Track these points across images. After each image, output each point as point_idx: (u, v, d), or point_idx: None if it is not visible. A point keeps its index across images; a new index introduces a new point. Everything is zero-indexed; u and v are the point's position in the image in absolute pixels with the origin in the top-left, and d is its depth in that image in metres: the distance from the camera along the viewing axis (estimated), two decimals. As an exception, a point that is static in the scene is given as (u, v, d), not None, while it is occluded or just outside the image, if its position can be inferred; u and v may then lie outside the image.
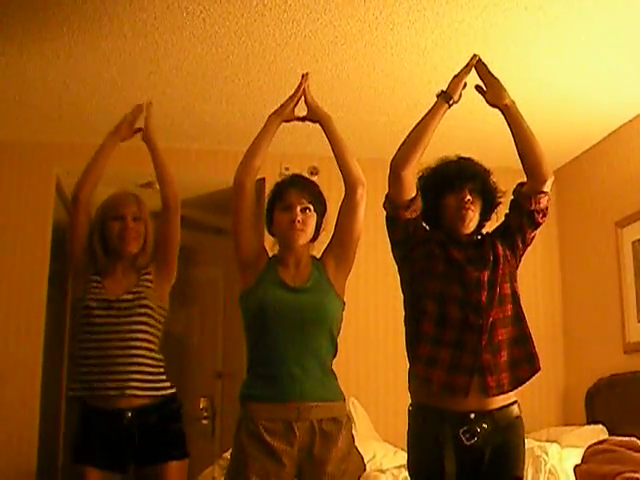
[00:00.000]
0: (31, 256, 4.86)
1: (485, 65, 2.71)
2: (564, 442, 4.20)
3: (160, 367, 2.88)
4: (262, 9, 3.43)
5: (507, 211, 2.72)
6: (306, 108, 2.78)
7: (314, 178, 4.96)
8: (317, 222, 2.65)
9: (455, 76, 2.72)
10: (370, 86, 4.21)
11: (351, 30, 3.60)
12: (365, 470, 2.63)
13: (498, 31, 3.60)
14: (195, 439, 5.66)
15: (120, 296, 2.83)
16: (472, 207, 2.64)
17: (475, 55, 2.66)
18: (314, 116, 2.77)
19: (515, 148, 2.73)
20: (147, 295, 2.86)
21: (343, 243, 2.65)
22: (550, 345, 5.19)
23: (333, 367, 2.64)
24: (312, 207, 2.62)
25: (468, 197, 2.63)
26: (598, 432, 4.34)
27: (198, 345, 5.92)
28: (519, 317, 2.61)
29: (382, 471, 3.97)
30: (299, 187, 2.63)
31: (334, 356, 2.61)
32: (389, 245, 2.71)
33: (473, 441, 2.48)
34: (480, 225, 2.73)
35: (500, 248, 2.63)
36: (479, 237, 2.71)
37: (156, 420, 2.78)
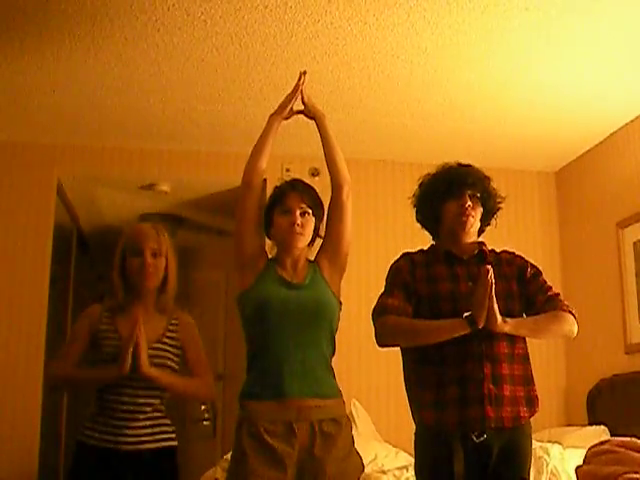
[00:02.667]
0: (32, 258, 4.86)
1: None
2: (566, 443, 4.20)
3: (167, 417, 2.82)
4: (263, 11, 3.43)
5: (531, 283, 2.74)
6: (302, 105, 2.80)
7: (315, 179, 4.98)
8: (315, 226, 2.68)
9: (479, 304, 2.46)
10: (370, 87, 4.21)
11: (352, 31, 3.61)
12: (364, 471, 2.63)
13: (498, 32, 3.60)
14: (197, 440, 5.67)
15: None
16: (473, 213, 2.66)
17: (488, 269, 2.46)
18: (309, 113, 2.80)
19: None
20: (170, 352, 2.79)
21: (333, 243, 2.69)
22: (552, 346, 5.18)
23: (335, 369, 2.64)
24: (311, 211, 2.65)
25: (469, 203, 2.65)
26: (600, 433, 4.34)
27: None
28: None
29: (384, 472, 3.96)
30: (299, 191, 2.66)
31: (332, 355, 2.63)
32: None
33: (482, 439, 2.49)
34: (480, 230, 2.75)
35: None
36: (477, 252, 2.72)
37: (149, 458, 2.73)
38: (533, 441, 4.18)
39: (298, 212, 2.61)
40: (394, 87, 4.22)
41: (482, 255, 2.70)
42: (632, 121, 4.63)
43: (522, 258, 2.79)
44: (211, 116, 4.61)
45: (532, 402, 2.61)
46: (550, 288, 2.73)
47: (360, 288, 4.63)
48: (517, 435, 2.56)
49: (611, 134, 4.84)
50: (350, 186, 2.71)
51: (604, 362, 4.76)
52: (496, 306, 2.44)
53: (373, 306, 2.68)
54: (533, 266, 2.76)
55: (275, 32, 3.62)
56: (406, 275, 2.67)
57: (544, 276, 2.77)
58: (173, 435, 2.81)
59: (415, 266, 2.68)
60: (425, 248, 2.79)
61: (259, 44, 3.73)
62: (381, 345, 2.63)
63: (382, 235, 5.14)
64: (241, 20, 3.51)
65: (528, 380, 2.62)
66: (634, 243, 4.58)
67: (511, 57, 3.85)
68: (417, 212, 2.81)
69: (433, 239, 2.81)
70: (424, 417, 2.59)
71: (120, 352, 2.65)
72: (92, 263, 6.28)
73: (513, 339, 2.59)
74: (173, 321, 2.86)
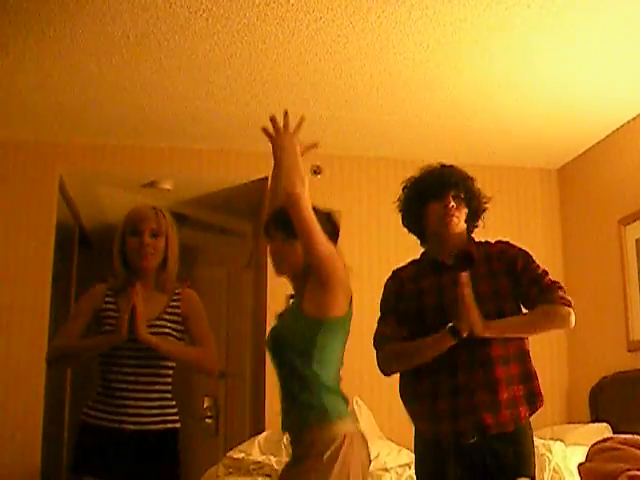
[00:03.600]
0: (34, 255, 4.86)
1: None
2: (568, 440, 4.20)
3: (173, 399, 2.84)
4: (265, 8, 3.43)
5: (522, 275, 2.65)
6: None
7: (317, 177, 4.97)
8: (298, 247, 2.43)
9: (458, 314, 2.49)
10: (372, 84, 4.21)
11: (353, 28, 3.60)
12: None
13: (500, 29, 3.59)
14: (199, 438, 5.68)
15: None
16: (456, 213, 2.64)
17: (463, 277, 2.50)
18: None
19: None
20: (170, 327, 2.81)
21: (308, 257, 2.40)
22: (554, 343, 5.18)
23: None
24: (279, 237, 2.48)
25: (452, 204, 2.63)
26: (602, 430, 4.33)
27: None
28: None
29: (386, 469, 3.97)
30: (268, 221, 2.54)
31: (309, 381, 2.38)
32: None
33: (475, 441, 2.49)
34: (470, 231, 2.73)
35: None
36: (460, 254, 2.69)
37: (153, 440, 2.74)
38: (535, 439, 4.17)
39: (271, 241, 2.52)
40: (396, 84, 4.21)
41: (466, 257, 2.65)
42: (634, 118, 4.62)
43: (513, 249, 2.70)
44: (213, 114, 4.61)
45: (534, 398, 2.58)
46: (543, 277, 2.62)
47: (361, 287, 4.61)
48: (517, 435, 2.53)
49: (614, 131, 4.83)
50: (290, 196, 2.36)
51: (606, 359, 4.76)
52: (475, 312, 2.43)
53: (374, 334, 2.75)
54: (524, 256, 2.67)
55: (277, 30, 3.62)
56: (392, 299, 2.71)
57: (537, 262, 2.67)
58: (177, 417, 2.82)
59: (402, 284, 2.69)
60: (418, 257, 2.79)
61: (261, 42, 3.73)
62: (385, 375, 2.69)
63: (384, 234, 5.13)
64: (243, 18, 3.51)
65: (528, 377, 2.59)
66: (636, 240, 4.58)
67: (513, 54, 3.84)
68: (402, 217, 2.80)
69: (421, 244, 2.80)
70: (419, 428, 2.62)
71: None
72: (94, 261, 6.28)
73: (506, 340, 2.55)
74: (175, 297, 2.88)
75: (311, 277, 2.38)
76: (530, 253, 2.68)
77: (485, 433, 2.49)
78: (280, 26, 3.58)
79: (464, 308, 2.43)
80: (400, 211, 2.80)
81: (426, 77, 4.10)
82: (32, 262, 4.86)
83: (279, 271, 2.52)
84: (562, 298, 2.57)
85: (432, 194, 2.66)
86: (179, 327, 2.85)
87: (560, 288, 2.59)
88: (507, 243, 2.74)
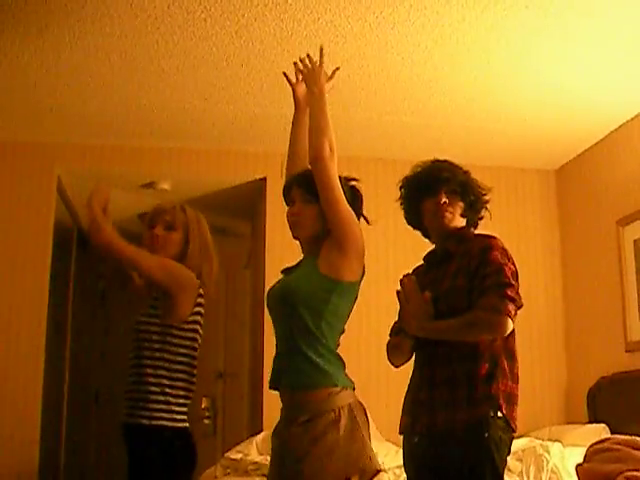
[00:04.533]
0: (33, 256, 4.86)
1: None
2: (566, 441, 4.20)
3: (167, 396, 2.70)
4: (263, 9, 3.43)
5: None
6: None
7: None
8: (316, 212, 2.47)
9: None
10: (371, 85, 4.21)
11: (352, 29, 3.60)
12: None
13: (499, 30, 3.60)
14: (197, 438, 5.68)
15: (137, 317, 2.77)
16: (449, 209, 2.60)
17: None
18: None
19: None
20: (155, 306, 2.77)
21: (328, 221, 2.44)
22: (552, 344, 5.19)
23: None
24: (300, 199, 2.51)
25: (444, 200, 2.59)
26: (600, 431, 4.34)
27: (200, 345, 5.94)
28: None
29: (384, 470, 3.97)
30: (290, 182, 2.63)
31: (316, 339, 2.38)
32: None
33: (419, 442, 2.52)
34: (474, 224, 2.70)
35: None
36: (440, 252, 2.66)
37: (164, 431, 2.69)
38: (534, 439, 4.18)
39: (294, 204, 2.54)
40: (394, 85, 4.22)
41: (444, 254, 2.62)
42: (632, 119, 4.63)
43: (480, 248, 2.52)
44: (211, 114, 4.61)
45: (480, 402, 2.39)
46: (487, 278, 2.43)
47: (361, 286, 4.63)
48: (451, 439, 2.41)
49: (611, 132, 4.83)
50: (319, 161, 2.45)
51: (604, 360, 4.76)
52: (410, 311, 2.51)
53: None
54: (485, 253, 2.48)
55: (275, 30, 3.62)
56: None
57: (496, 260, 2.46)
58: (169, 415, 2.71)
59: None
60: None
61: (259, 42, 3.73)
62: (394, 366, 2.74)
63: (382, 234, 5.14)
64: (241, 18, 3.51)
65: (472, 379, 2.42)
66: (634, 241, 4.58)
67: (511, 55, 3.85)
68: (404, 215, 2.79)
69: (430, 240, 2.79)
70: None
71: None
72: (92, 261, 6.29)
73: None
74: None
75: (328, 241, 2.42)
76: (496, 249, 2.49)
77: (419, 433, 2.50)
78: (278, 27, 3.59)
79: (405, 309, 2.54)
80: (403, 210, 2.81)
81: (424, 78, 4.11)
82: (30, 262, 4.86)
83: (296, 234, 2.54)
84: (497, 305, 2.38)
85: (425, 191, 2.64)
86: (158, 303, 2.76)
87: (500, 292, 2.40)
88: (486, 239, 2.57)
